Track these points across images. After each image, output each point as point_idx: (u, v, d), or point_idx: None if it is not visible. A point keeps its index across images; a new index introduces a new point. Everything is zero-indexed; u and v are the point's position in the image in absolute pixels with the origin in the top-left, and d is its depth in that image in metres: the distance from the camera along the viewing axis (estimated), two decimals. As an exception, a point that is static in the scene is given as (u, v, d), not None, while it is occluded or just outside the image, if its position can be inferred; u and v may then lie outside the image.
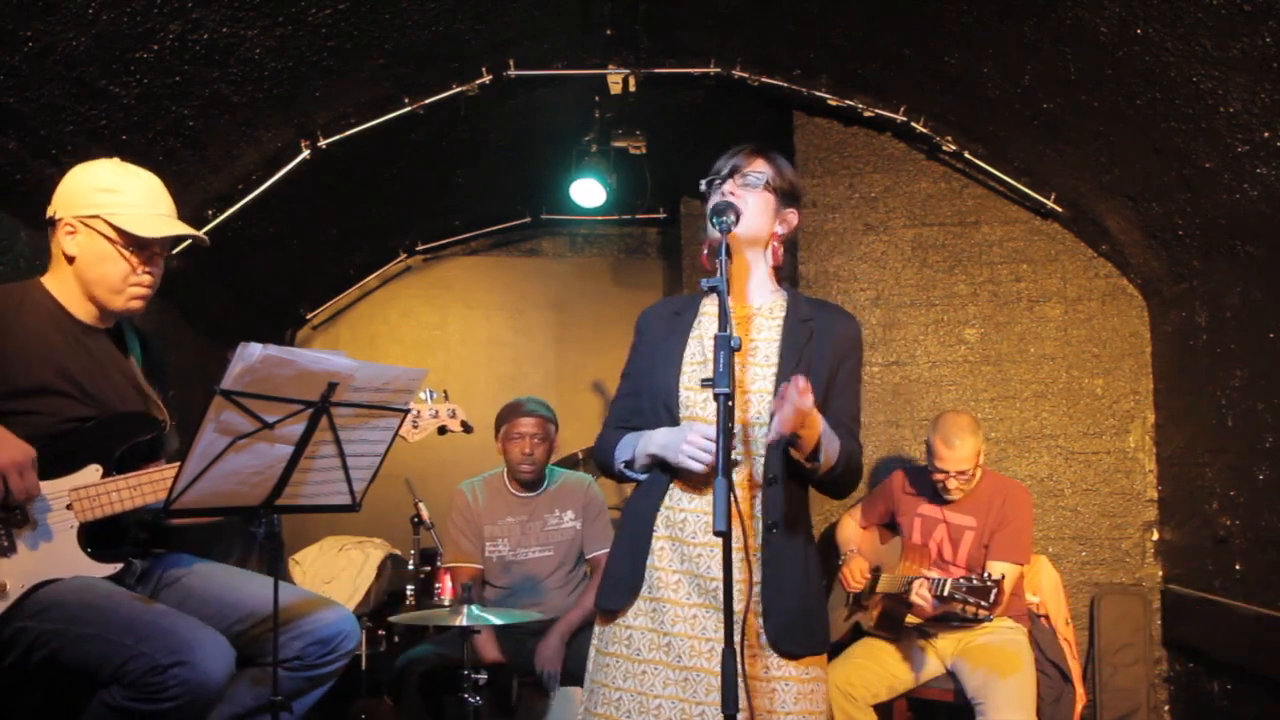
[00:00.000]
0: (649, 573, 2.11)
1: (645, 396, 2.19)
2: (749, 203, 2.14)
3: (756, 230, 2.16)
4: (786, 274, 2.28)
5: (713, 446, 1.94)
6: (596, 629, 2.21)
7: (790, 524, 2.09)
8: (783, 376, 2.08)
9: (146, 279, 2.29)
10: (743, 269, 2.20)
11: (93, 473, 2.18)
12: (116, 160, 2.32)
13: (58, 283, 2.28)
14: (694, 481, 2.09)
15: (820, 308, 2.22)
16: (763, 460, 2.09)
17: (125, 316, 2.36)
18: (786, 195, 2.20)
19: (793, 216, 2.22)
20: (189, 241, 2.39)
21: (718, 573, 2.02)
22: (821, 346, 2.14)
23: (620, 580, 2.14)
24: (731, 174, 2.17)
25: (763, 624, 2.05)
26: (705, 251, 2.21)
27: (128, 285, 2.26)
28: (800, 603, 2.07)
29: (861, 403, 2.27)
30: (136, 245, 2.24)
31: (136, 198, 2.25)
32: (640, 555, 2.12)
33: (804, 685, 2.05)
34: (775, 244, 2.21)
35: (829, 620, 2.24)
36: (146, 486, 2.20)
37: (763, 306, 2.20)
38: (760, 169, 2.17)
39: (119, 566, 2.21)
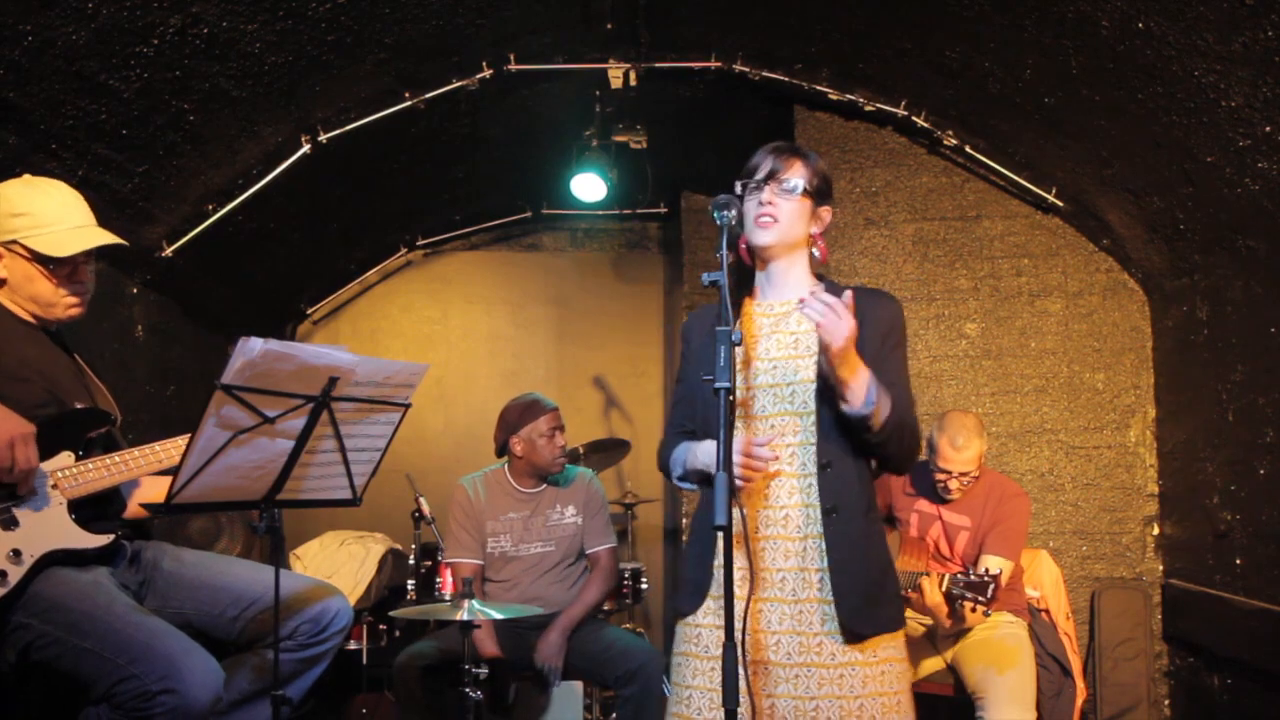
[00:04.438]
0: (715, 572, 2.14)
1: (699, 404, 2.23)
2: (787, 211, 2.15)
3: (795, 236, 2.17)
4: (818, 265, 2.29)
5: (759, 464, 2.02)
6: (677, 629, 2.24)
7: (850, 507, 2.09)
8: (821, 363, 2.09)
9: (76, 289, 2.36)
10: (781, 269, 2.22)
11: (66, 458, 2.26)
12: (26, 178, 2.37)
13: (1, 296, 2.36)
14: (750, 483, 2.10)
15: (859, 294, 2.21)
16: (815, 448, 2.10)
17: (67, 322, 2.43)
18: (821, 195, 2.21)
19: (827, 213, 2.24)
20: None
21: (782, 563, 2.08)
22: (864, 331, 2.12)
23: (694, 585, 2.18)
24: (769, 179, 2.16)
25: (835, 610, 2.06)
26: (744, 247, 2.25)
27: (59, 299, 2.35)
28: (867, 585, 2.08)
29: (909, 379, 2.27)
30: (57, 263, 2.31)
31: (48, 217, 2.30)
32: (708, 557, 2.16)
33: (871, 669, 2.05)
34: (819, 241, 2.23)
35: (899, 601, 2.24)
36: (117, 466, 2.28)
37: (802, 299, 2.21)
38: (798, 173, 2.17)
39: (110, 538, 2.29)
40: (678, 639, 2.21)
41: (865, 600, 2.06)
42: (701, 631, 2.14)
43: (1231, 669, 3.77)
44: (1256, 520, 3.53)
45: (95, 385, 2.48)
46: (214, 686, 2.10)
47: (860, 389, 2.00)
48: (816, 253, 2.23)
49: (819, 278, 2.27)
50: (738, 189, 2.21)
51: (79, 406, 2.34)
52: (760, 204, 2.15)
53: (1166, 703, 4.26)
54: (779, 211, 2.13)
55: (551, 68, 4.27)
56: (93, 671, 2.08)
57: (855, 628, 2.04)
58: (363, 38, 3.60)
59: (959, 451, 3.38)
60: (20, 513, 2.16)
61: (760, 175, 2.17)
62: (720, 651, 2.05)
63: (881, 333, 2.17)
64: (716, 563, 2.14)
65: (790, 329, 2.18)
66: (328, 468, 2.25)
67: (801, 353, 2.15)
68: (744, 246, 2.24)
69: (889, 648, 2.09)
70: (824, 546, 2.07)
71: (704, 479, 2.15)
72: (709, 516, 2.14)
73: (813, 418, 2.10)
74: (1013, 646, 3.34)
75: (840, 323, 1.93)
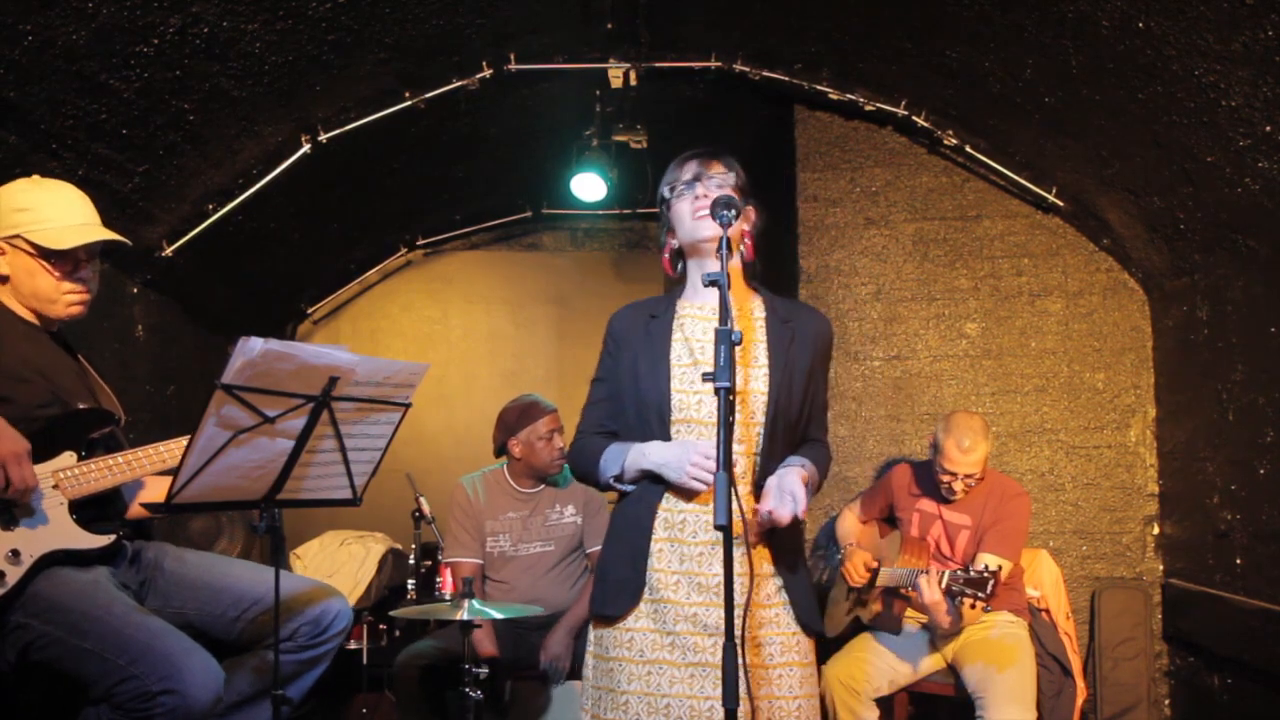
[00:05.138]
0: (649, 575, 2.12)
1: (632, 404, 2.19)
2: None
3: (732, 232, 2.17)
4: (755, 273, 2.29)
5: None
6: (593, 634, 2.21)
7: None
8: (773, 376, 2.13)
9: (78, 286, 2.38)
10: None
11: (69, 458, 2.26)
12: (35, 178, 2.40)
13: (1, 296, 2.38)
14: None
15: (795, 308, 2.29)
16: (762, 457, 2.13)
17: (68, 321, 2.44)
18: (746, 193, 2.23)
19: (752, 212, 2.26)
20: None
21: (719, 569, 2.05)
22: (802, 347, 2.19)
23: (621, 586, 2.14)
24: (696, 179, 2.19)
25: (786, 611, 2.11)
26: (666, 257, 2.28)
27: (61, 295, 2.36)
28: (808, 587, 2.18)
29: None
30: (58, 257, 2.32)
31: (51, 212, 2.33)
32: (640, 559, 2.13)
33: (805, 670, 2.13)
34: (747, 240, 2.24)
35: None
36: (120, 467, 2.28)
37: (742, 307, 2.23)
38: (723, 171, 2.20)
39: (111, 539, 2.29)
40: (603, 643, 2.15)
41: (811, 601, 2.17)
42: (635, 635, 2.11)
43: (1231, 669, 3.77)
44: (1256, 520, 3.53)
45: (99, 385, 2.49)
46: (214, 687, 2.10)
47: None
48: (744, 250, 2.23)
49: (754, 289, 2.27)
50: (665, 193, 2.24)
51: (82, 407, 2.34)
52: (696, 197, 2.17)
53: (1166, 703, 4.26)
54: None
55: (551, 68, 4.27)
56: (93, 672, 2.08)
57: (814, 626, 2.15)
58: (363, 38, 3.60)
59: (966, 454, 3.37)
60: (21, 512, 2.16)
61: (687, 177, 2.20)
62: (658, 656, 2.08)
63: (816, 349, 2.21)
64: (650, 564, 2.12)
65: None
66: (328, 467, 2.25)
67: (749, 361, 2.15)
68: (667, 257, 2.27)
69: (812, 651, 2.17)
70: (765, 553, 2.13)
71: (651, 478, 2.14)
72: (639, 514, 2.14)
73: (761, 429, 2.11)
74: (1012, 646, 3.35)
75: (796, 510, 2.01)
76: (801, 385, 2.16)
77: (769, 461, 2.12)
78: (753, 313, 2.22)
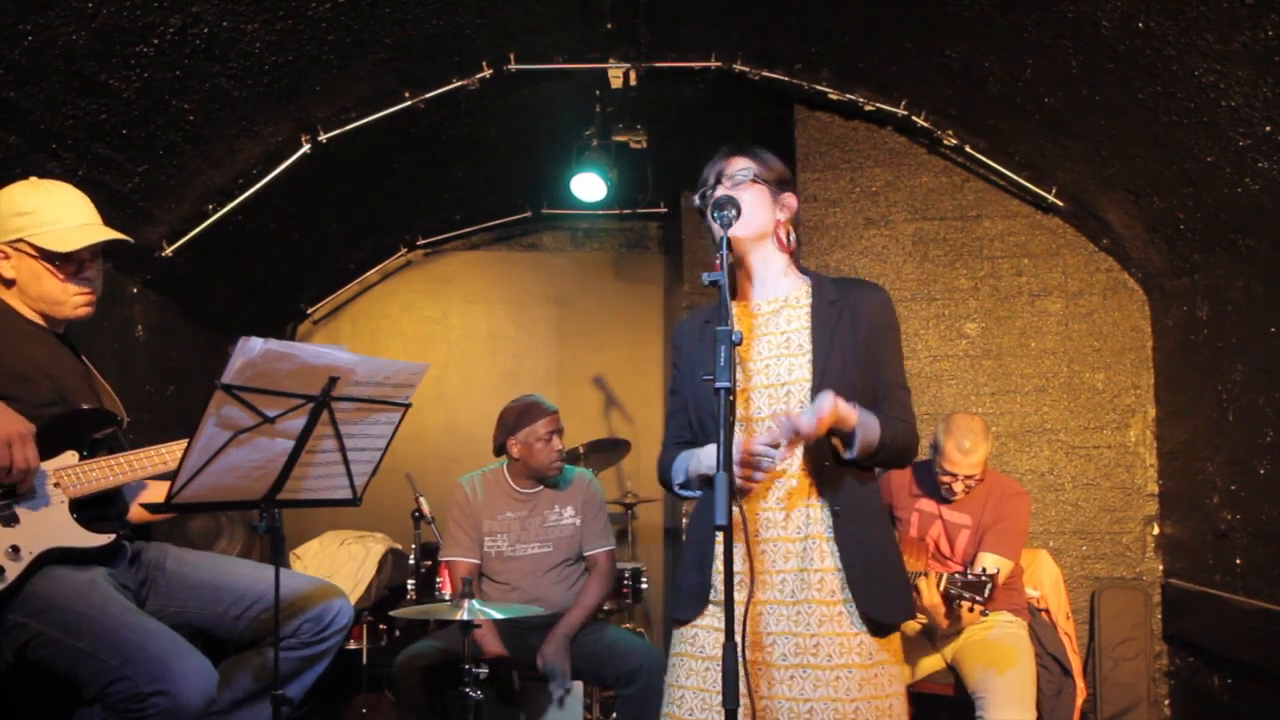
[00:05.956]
0: (714, 578, 2.14)
1: (694, 409, 2.22)
2: (744, 199, 2.14)
3: (758, 223, 2.17)
4: (798, 257, 2.29)
5: (765, 462, 2.01)
6: (673, 633, 2.24)
7: (855, 504, 2.11)
8: (818, 361, 2.10)
9: (85, 287, 2.39)
10: (759, 264, 2.22)
11: (70, 457, 2.27)
12: (32, 180, 2.40)
13: (8, 298, 2.39)
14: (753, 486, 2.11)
15: (846, 286, 2.23)
16: (814, 446, 2.10)
17: (75, 321, 2.45)
18: (778, 182, 2.22)
19: (791, 200, 2.24)
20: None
21: (782, 565, 2.08)
22: (854, 324, 2.14)
23: (691, 591, 2.17)
24: (718, 180, 2.19)
25: (855, 607, 2.06)
26: (718, 259, 2.24)
27: (68, 296, 2.37)
28: (883, 577, 2.10)
29: (904, 368, 2.27)
30: (63, 259, 2.33)
31: (53, 214, 2.33)
32: (707, 563, 2.15)
33: (866, 671, 2.06)
34: (781, 231, 2.22)
35: (909, 594, 2.27)
36: (121, 467, 2.29)
37: (789, 296, 2.21)
38: (743, 165, 2.20)
39: (111, 538, 2.29)
40: (674, 641, 2.20)
41: (885, 591, 2.08)
42: (699, 633, 2.14)
43: (1231, 669, 3.77)
44: (1256, 520, 3.54)
45: (103, 387, 2.49)
46: (206, 688, 2.10)
47: (848, 440, 2.05)
48: (778, 242, 2.21)
49: (803, 271, 2.26)
50: (696, 201, 2.24)
51: (85, 407, 2.35)
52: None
53: (1166, 703, 4.26)
54: (738, 200, 2.12)
55: (551, 68, 4.27)
56: (86, 672, 2.08)
57: (881, 619, 2.06)
58: (363, 38, 3.60)
59: (966, 455, 3.37)
60: (21, 510, 2.16)
61: (710, 179, 2.21)
62: (717, 653, 2.06)
63: (876, 325, 2.16)
64: (716, 566, 2.13)
65: (780, 328, 2.18)
66: (328, 467, 2.26)
67: (794, 351, 2.14)
68: (718, 259, 2.23)
69: (884, 651, 2.09)
70: (829, 548, 2.07)
71: (707, 482, 2.13)
72: (708, 519, 2.15)
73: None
74: (1012, 646, 3.34)
75: (811, 421, 1.95)
76: (856, 367, 2.11)
77: (821, 451, 2.09)
78: (798, 299, 2.20)
